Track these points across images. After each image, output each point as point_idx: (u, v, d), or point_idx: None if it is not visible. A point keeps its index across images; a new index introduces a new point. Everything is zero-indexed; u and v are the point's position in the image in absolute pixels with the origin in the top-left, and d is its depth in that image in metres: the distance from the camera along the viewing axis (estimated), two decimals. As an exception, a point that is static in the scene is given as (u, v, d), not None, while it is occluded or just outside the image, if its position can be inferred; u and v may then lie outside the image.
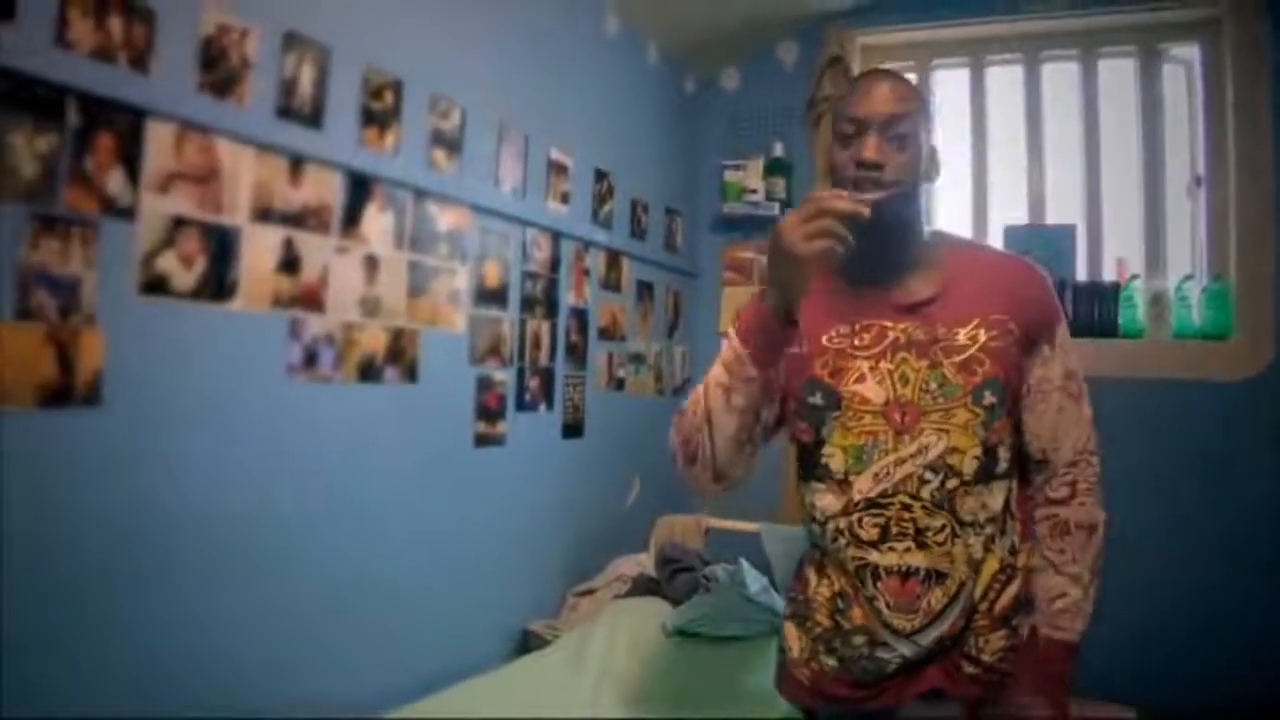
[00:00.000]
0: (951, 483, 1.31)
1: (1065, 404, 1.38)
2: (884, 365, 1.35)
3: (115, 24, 1.44)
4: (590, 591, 2.65)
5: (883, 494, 1.33)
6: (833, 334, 1.38)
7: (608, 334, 2.94)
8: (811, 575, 1.45)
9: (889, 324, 1.37)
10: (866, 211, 1.19)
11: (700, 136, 3.52)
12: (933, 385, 1.32)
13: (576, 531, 2.75)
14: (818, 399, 1.37)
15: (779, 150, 3.37)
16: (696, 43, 3.33)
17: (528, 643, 2.42)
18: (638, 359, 3.13)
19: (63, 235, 1.37)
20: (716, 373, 1.32)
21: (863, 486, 1.34)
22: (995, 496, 1.34)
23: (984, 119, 3.29)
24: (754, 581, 2.53)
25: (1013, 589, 1.36)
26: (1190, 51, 2.99)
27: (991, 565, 1.34)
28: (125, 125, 1.46)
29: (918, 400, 1.32)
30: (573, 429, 2.74)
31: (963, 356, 1.33)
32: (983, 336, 1.34)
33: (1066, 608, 1.35)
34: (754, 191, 3.37)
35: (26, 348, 1.33)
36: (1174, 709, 2.48)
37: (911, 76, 3.35)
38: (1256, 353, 2.76)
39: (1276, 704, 2.46)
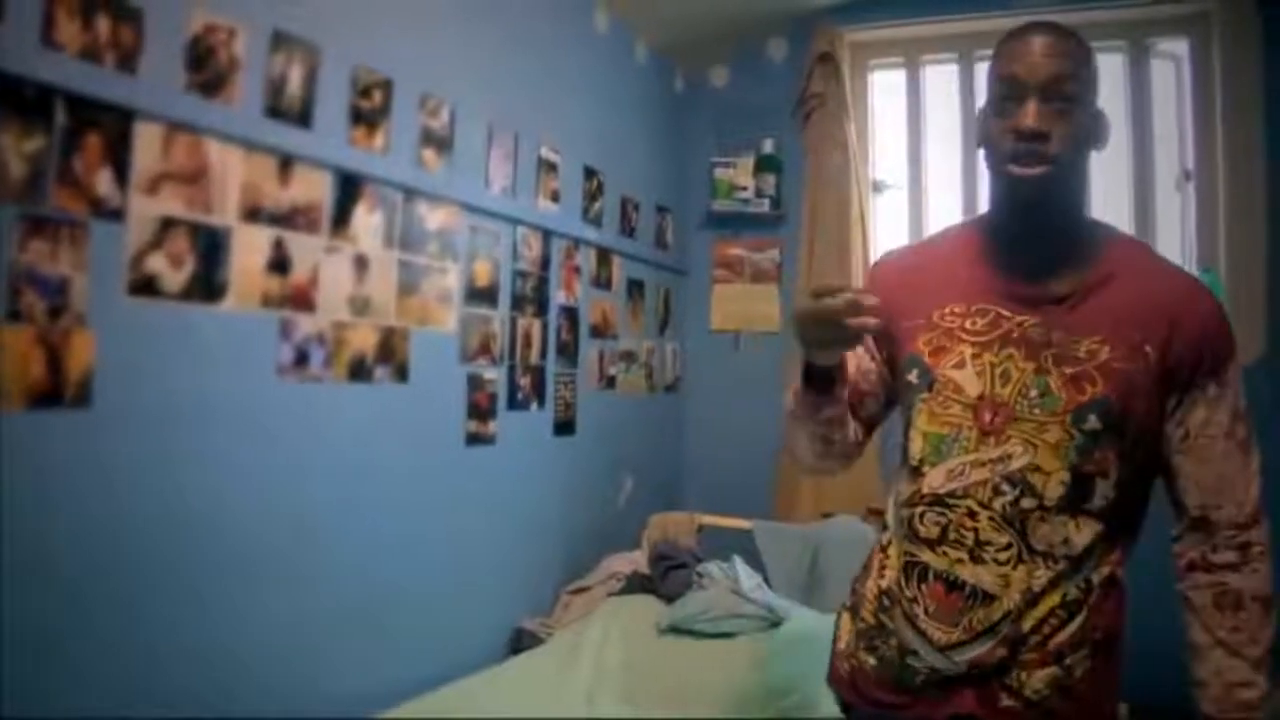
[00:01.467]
0: (1028, 502, 1.17)
1: (1233, 453, 1.19)
2: (988, 356, 1.21)
3: (103, 24, 1.43)
4: (583, 589, 2.65)
5: (951, 493, 1.21)
6: (946, 311, 1.26)
7: (599, 332, 2.94)
8: (874, 568, 1.37)
9: (1007, 313, 1.23)
10: (873, 323, 1.10)
11: (690, 134, 3.52)
12: (1033, 392, 1.17)
13: (569, 529, 2.75)
14: (913, 376, 1.27)
15: (769, 147, 3.38)
16: (686, 40, 3.34)
17: (521, 641, 2.42)
18: (629, 357, 3.14)
19: (52, 236, 1.37)
20: (788, 399, 1.31)
21: (934, 480, 1.23)
22: (1082, 533, 1.18)
23: (973, 115, 3.28)
24: (748, 578, 2.53)
25: (1073, 626, 1.20)
26: (1179, 46, 3.01)
27: (1052, 600, 1.19)
28: (113, 125, 1.45)
29: (1014, 404, 1.18)
30: (564, 427, 2.74)
31: (1074, 370, 1.17)
32: (1105, 354, 1.17)
33: (1251, 701, 1.16)
34: (744, 189, 3.39)
35: (16, 349, 1.33)
36: (1165, 705, 2.48)
37: (900, 73, 3.38)
38: (1246, 346, 2.74)
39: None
